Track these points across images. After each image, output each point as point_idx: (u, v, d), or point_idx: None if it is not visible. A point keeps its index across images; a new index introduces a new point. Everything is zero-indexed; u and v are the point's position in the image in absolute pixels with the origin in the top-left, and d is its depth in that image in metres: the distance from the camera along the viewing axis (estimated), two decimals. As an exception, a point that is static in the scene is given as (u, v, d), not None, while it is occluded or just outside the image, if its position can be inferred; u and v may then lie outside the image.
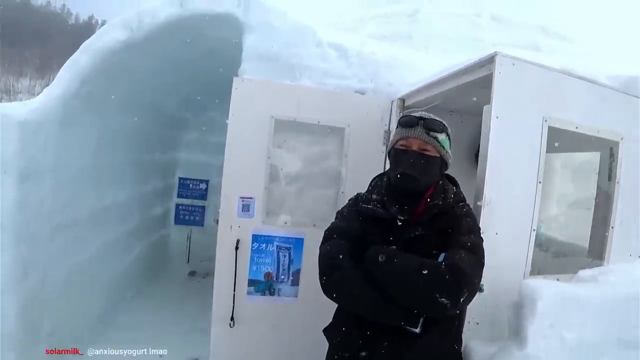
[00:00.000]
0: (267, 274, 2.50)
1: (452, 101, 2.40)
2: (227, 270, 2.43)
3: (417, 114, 1.47)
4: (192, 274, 5.26)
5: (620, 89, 1.80)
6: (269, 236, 2.50)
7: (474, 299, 1.31)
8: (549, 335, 1.34)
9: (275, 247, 2.51)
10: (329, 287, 1.42)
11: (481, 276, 1.31)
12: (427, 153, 1.42)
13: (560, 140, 1.74)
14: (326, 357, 1.58)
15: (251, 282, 2.49)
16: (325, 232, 1.54)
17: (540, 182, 1.66)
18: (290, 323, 2.52)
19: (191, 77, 4.00)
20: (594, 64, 2.18)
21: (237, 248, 2.43)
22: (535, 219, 1.66)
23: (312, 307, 2.45)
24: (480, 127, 2.89)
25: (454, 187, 1.53)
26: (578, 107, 1.73)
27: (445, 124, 1.47)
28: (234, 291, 2.43)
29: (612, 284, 1.52)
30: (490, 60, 1.57)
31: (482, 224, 1.53)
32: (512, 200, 1.64)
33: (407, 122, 1.46)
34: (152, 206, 4.84)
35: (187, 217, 5.62)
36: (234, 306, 2.44)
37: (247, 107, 2.41)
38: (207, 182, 5.69)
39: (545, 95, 1.66)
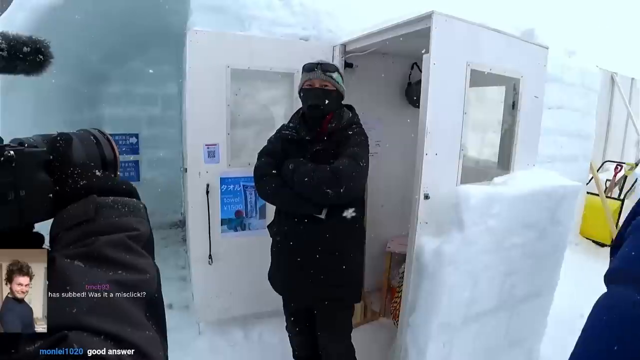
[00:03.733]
0: (238, 212, 2.78)
1: (386, 46, 2.73)
2: (200, 213, 2.65)
3: (314, 61, 1.98)
4: (137, 229, 5.28)
5: (521, 37, 2.28)
6: (235, 178, 2.74)
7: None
8: (479, 223, 1.86)
9: (241, 186, 2.77)
10: (259, 190, 2.01)
11: (361, 176, 1.81)
12: (327, 87, 1.93)
13: (478, 78, 2.20)
14: (271, 245, 2.14)
15: (224, 221, 2.74)
16: (258, 154, 2.05)
17: (465, 113, 2.12)
18: (261, 252, 2.77)
19: (119, 29, 3.83)
20: (500, 14, 2.64)
21: (207, 192, 2.66)
22: (462, 141, 2.14)
23: (279, 236, 2.83)
24: (409, 68, 3.33)
25: (350, 113, 2.04)
26: (491, 53, 2.16)
27: (337, 66, 2.13)
28: (209, 231, 2.68)
29: (518, 185, 2.09)
30: (427, 17, 1.91)
31: (426, 147, 1.97)
32: (446, 128, 2.06)
33: (309, 68, 1.97)
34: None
35: (120, 174, 5.49)
36: (210, 245, 2.70)
37: (203, 59, 2.52)
38: (136, 135, 5.53)
39: (468, 44, 2.06)
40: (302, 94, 1.99)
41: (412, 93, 3.22)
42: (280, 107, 2.90)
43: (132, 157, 5.53)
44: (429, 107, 1.96)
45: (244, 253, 2.82)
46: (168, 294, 3.50)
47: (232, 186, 2.74)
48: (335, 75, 1.96)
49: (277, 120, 2.89)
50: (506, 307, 2.28)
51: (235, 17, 2.73)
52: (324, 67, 1.94)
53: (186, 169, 2.66)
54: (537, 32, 2.30)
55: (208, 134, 2.63)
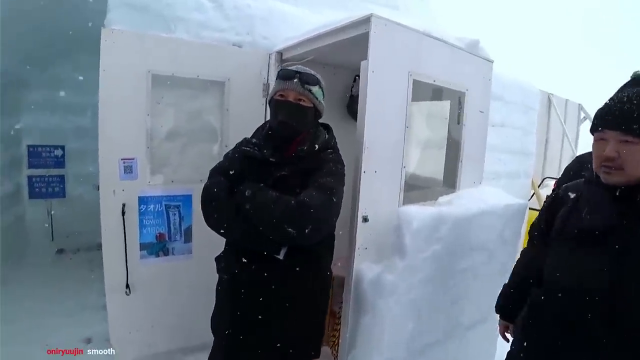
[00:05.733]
0: (159, 235, 2.46)
1: (326, 56, 2.55)
2: (115, 237, 2.32)
3: (294, 68, 1.64)
4: (61, 251, 4.75)
5: (465, 49, 2.17)
6: (156, 196, 2.43)
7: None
8: (423, 249, 1.67)
9: (163, 206, 2.46)
10: (206, 216, 1.61)
11: (332, 213, 1.49)
12: (302, 103, 1.60)
13: (421, 91, 2.05)
14: (217, 282, 1.76)
15: (143, 246, 2.42)
16: (210, 171, 1.70)
17: (407, 127, 1.96)
18: (187, 280, 2.54)
19: (37, 29, 3.40)
20: (444, 25, 2.56)
21: (123, 213, 2.32)
22: (404, 158, 1.96)
23: (207, 260, 2.48)
24: (351, 79, 3.17)
25: (326, 135, 1.71)
26: (435, 63, 2.02)
27: (319, 78, 1.66)
28: (126, 257, 2.35)
29: (463, 205, 1.94)
30: (366, 21, 1.73)
31: (364, 164, 1.77)
32: (386, 143, 1.88)
33: (284, 75, 1.62)
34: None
35: (44, 190, 4.95)
36: (127, 273, 2.37)
37: (120, 62, 2.22)
38: (62, 147, 5.02)
39: (411, 52, 1.90)
40: (272, 105, 1.65)
41: (354, 106, 3.06)
42: (210, 118, 2.62)
43: (57, 172, 5.00)
44: (367, 119, 1.78)
45: (167, 281, 2.51)
46: (88, 325, 3.11)
47: (152, 206, 2.42)
48: (315, 89, 1.62)
49: (205, 133, 2.62)
50: (454, 336, 2.11)
51: (159, 17, 2.44)
52: (303, 78, 1.60)
53: (97, 186, 2.30)
54: (482, 45, 2.20)
55: (124, 146, 2.31)
